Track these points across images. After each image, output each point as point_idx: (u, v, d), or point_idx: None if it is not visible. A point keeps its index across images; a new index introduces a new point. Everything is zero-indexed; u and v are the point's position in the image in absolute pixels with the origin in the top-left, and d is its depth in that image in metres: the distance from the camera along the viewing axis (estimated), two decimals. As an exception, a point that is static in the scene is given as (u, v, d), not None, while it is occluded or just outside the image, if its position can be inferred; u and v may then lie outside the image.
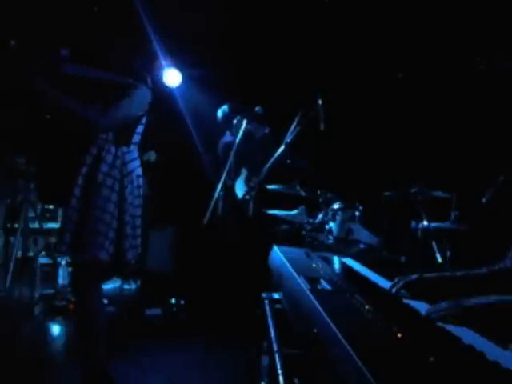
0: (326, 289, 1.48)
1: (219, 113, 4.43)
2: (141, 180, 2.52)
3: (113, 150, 2.42)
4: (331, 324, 1.02)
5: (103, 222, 2.32)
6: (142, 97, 2.47)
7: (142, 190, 2.52)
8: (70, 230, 2.37)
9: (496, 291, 1.24)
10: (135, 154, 2.52)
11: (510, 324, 1.12)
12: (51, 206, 4.90)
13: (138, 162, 2.52)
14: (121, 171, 2.40)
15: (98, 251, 2.29)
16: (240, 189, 4.16)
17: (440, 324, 1.12)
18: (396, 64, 4.40)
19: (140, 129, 2.52)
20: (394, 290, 1.47)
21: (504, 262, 1.55)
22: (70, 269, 4.59)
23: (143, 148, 2.62)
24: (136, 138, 2.51)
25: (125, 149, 2.45)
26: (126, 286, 4.92)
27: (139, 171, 2.52)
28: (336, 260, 2.25)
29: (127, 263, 2.42)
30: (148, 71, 2.60)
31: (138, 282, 4.87)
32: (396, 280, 1.49)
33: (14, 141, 4.64)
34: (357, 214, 3.41)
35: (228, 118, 4.27)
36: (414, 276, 1.50)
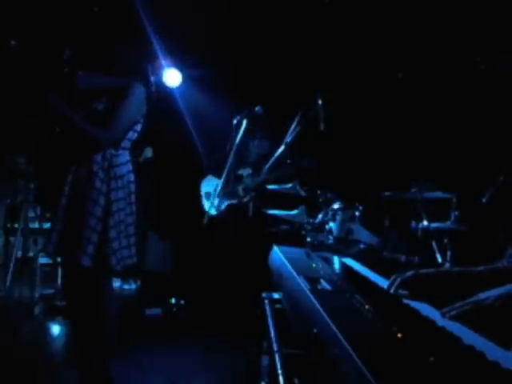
0: (326, 289, 1.48)
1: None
2: (132, 186, 2.44)
3: (106, 149, 2.38)
4: (331, 324, 1.02)
5: (88, 226, 2.26)
6: (138, 96, 2.43)
7: (134, 197, 2.44)
8: (57, 230, 2.33)
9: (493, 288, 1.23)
10: (125, 158, 2.44)
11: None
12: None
13: (128, 168, 2.44)
14: (108, 173, 2.34)
15: (80, 256, 2.23)
16: (207, 190, 4.10)
17: (440, 324, 1.12)
18: (396, 64, 4.40)
19: (132, 135, 2.46)
20: (391, 289, 1.47)
21: (501, 262, 1.56)
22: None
23: (138, 146, 2.58)
24: (126, 144, 2.45)
25: (113, 151, 2.38)
26: (126, 286, 4.92)
27: (130, 177, 2.44)
28: (336, 260, 2.25)
29: (110, 269, 2.34)
30: (149, 71, 2.58)
31: (138, 282, 4.88)
32: (393, 277, 1.49)
33: (15, 141, 4.64)
34: (357, 214, 3.41)
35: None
36: (410, 272, 1.50)
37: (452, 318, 1.16)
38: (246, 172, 4.16)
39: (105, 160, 2.36)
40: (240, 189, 4.03)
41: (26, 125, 4.55)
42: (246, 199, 3.89)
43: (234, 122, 4.07)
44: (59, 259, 4.42)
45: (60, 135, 2.52)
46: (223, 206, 3.96)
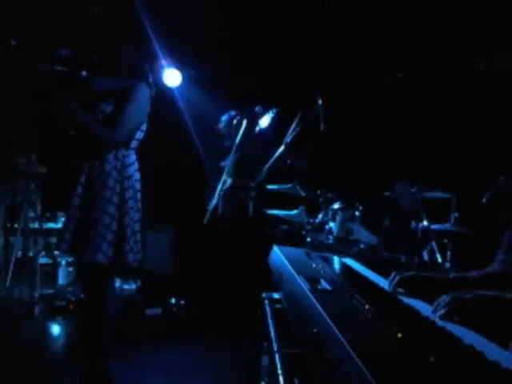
0: (325, 289, 1.48)
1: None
2: (138, 184, 2.51)
3: (113, 151, 2.42)
4: (331, 324, 1.02)
5: (102, 224, 2.31)
6: (143, 96, 2.47)
7: (139, 195, 2.51)
8: (70, 229, 2.37)
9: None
10: (133, 158, 2.51)
11: (510, 323, 1.12)
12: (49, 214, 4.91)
13: (135, 167, 2.52)
14: (121, 173, 2.40)
15: (95, 253, 2.28)
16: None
17: (440, 324, 1.12)
18: (396, 64, 4.40)
19: (139, 135, 2.52)
20: (391, 287, 1.49)
21: (492, 266, 1.59)
22: (70, 269, 4.60)
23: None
24: (134, 144, 2.51)
25: (124, 152, 2.45)
26: (126, 286, 4.92)
27: (138, 175, 2.52)
28: (336, 260, 2.25)
29: (127, 266, 2.41)
30: (150, 71, 2.59)
31: (138, 282, 4.88)
32: (393, 275, 1.52)
33: (15, 141, 4.64)
34: (357, 214, 3.41)
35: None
36: (411, 273, 1.53)
37: (443, 318, 1.18)
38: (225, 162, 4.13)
39: (117, 160, 2.41)
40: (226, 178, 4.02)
41: (36, 125, 4.56)
42: (228, 182, 3.90)
43: (234, 121, 4.07)
44: (59, 259, 4.48)
45: (73, 137, 2.55)
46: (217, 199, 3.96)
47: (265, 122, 3.72)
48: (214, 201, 3.65)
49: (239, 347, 3.28)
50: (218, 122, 4.47)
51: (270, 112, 3.73)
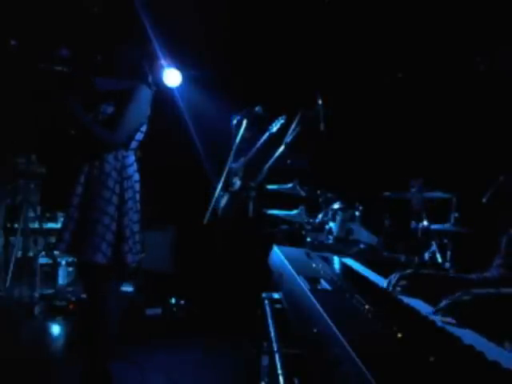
0: (326, 289, 1.48)
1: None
2: (137, 185, 2.51)
3: (113, 151, 2.42)
4: (331, 324, 1.02)
5: (102, 224, 2.31)
6: (144, 98, 2.47)
7: (138, 195, 2.51)
8: (70, 229, 2.36)
9: None
10: (133, 159, 2.51)
11: (506, 321, 1.13)
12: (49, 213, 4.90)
13: (134, 168, 2.52)
14: (120, 174, 2.40)
15: (94, 254, 2.27)
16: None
17: (440, 324, 1.12)
18: (396, 64, 4.40)
19: (139, 136, 2.52)
20: (390, 287, 1.50)
21: (491, 272, 1.61)
22: (70, 269, 4.59)
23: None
24: (133, 145, 2.51)
25: (124, 152, 2.45)
26: (126, 287, 4.92)
27: (137, 176, 2.52)
28: (336, 260, 2.25)
29: (126, 266, 2.40)
30: (150, 71, 2.59)
31: (138, 282, 4.88)
32: (392, 275, 1.53)
33: (15, 141, 4.65)
34: (357, 214, 3.41)
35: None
36: (410, 271, 1.56)
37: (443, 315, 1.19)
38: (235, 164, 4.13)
39: (117, 161, 2.41)
40: (236, 180, 4.03)
41: (36, 125, 4.56)
42: (237, 184, 3.92)
43: (234, 122, 4.07)
44: (59, 259, 4.48)
45: (73, 137, 2.55)
46: (224, 201, 3.97)
47: (275, 128, 3.75)
48: (223, 200, 3.66)
49: (239, 347, 3.28)
50: (217, 122, 4.47)
51: (280, 119, 3.76)
